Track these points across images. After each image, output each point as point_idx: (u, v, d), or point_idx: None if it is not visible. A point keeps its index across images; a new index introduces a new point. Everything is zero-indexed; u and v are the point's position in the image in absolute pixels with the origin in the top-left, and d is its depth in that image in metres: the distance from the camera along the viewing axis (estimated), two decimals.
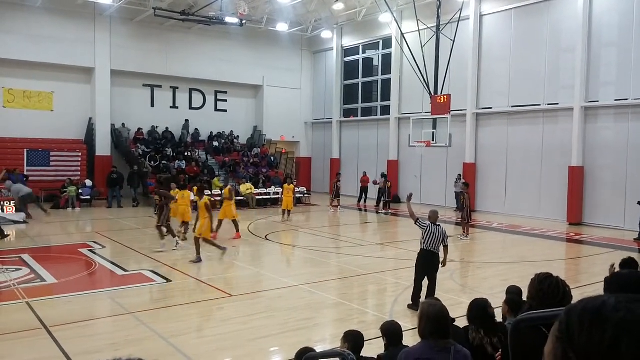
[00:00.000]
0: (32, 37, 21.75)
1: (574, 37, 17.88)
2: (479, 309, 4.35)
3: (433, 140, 19.22)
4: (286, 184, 18.96)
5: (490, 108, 20.95)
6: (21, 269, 10.34)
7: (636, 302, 0.72)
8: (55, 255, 12.18)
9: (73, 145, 23.04)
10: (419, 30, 20.10)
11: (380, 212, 21.18)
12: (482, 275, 10.90)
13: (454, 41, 19.07)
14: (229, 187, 15.23)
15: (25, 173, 20.55)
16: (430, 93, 19.57)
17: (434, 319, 3.33)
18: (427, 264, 8.18)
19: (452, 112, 18.71)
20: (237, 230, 14.49)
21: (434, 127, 19.38)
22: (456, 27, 19.34)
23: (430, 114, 19.42)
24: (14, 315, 7.62)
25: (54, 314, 7.64)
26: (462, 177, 21.13)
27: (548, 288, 2.79)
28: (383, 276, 10.62)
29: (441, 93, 19.26)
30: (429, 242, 8.15)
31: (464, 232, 15.01)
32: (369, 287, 10.05)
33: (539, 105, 19.23)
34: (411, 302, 8.11)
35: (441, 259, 8.32)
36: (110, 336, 7.01)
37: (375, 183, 22.53)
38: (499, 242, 15.16)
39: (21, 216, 16.82)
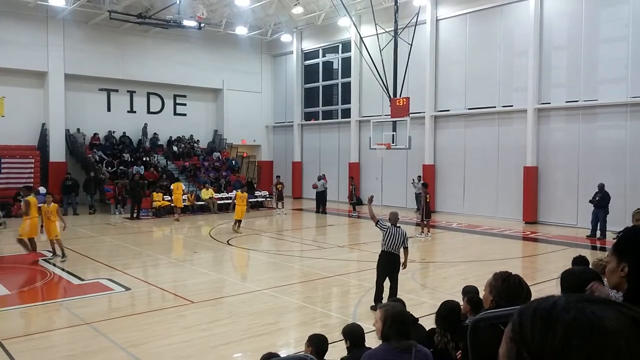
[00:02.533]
0: None
1: (526, 41, 18.51)
2: (450, 311, 4.41)
3: (393, 142, 19.49)
4: (239, 192, 17.39)
5: (448, 110, 21.42)
6: None
7: (586, 301, 0.75)
8: (8, 266, 11.70)
9: (25, 151, 22.19)
10: (377, 34, 20.37)
11: (351, 214, 21.36)
12: (442, 275, 11.12)
13: (411, 45, 19.42)
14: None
15: None
16: (389, 96, 19.85)
17: (394, 321, 3.39)
18: (388, 266, 8.26)
19: (411, 115, 19.02)
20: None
21: (394, 130, 19.66)
22: (413, 31, 19.70)
23: (389, 116, 19.68)
24: None
25: (6, 326, 7.35)
26: (421, 179, 21.51)
27: (513, 286, 2.89)
28: (346, 278, 10.69)
29: (400, 96, 19.56)
30: (389, 244, 8.21)
31: (423, 231, 15.50)
32: (333, 289, 10.09)
33: (494, 107, 19.80)
34: (374, 304, 8.14)
35: (402, 260, 8.38)
36: (67, 347, 6.79)
37: (314, 187, 22.70)
38: (458, 242, 15.50)
39: None
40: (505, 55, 19.47)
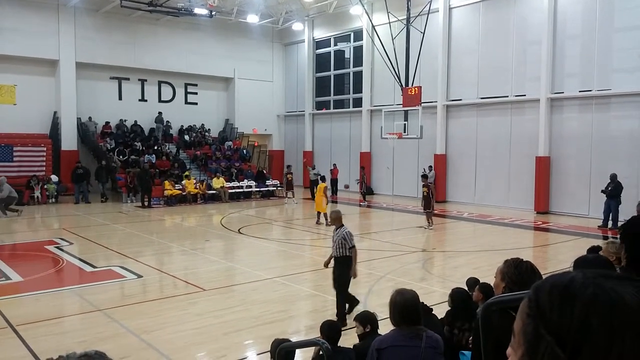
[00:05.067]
0: None
1: (539, 30, 18.24)
2: (459, 298, 4.38)
3: (404, 132, 19.40)
4: (322, 183, 16.38)
5: (460, 100, 21.23)
6: None
7: (603, 277, 0.73)
8: (21, 253, 11.85)
9: (37, 139, 22.38)
10: (389, 23, 20.20)
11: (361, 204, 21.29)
12: (453, 264, 11.08)
13: (423, 33, 19.23)
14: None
15: None
16: (401, 85, 19.72)
17: (403, 307, 3.38)
18: (334, 272, 7.31)
19: (422, 104, 18.90)
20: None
21: (406, 119, 19.55)
22: (426, 19, 19.50)
23: (401, 106, 19.57)
24: None
25: (20, 313, 7.45)
26: (432, 168, 21.42)
27: (525, 272, 2.85)
28: (357, 267, 10.66)
29: (412, 85, 19.42)
30: (333, 249, 7.32)
31: (429, 222, 15.13)
32: None
33: (507, 96, 19.58)
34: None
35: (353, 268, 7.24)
36: (81, 334, 6.86)
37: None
38: (469, 232, 15.42)
39: None
40: (518, 44, 19.21)
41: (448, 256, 11.84)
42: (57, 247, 12.18)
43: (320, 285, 9.33)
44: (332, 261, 7.35)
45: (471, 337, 3.78)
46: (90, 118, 23.75)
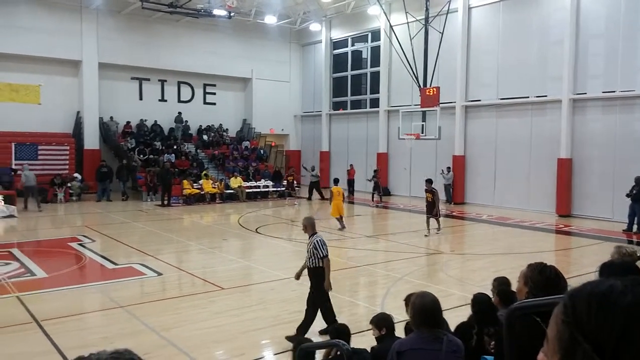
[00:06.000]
0: (18, 29, 21.44)
1: (562, 29, 17.99)
2: (482, 303, 4.34)
3: (422, 132, 19.31)
4: (336, 187, 15.93)
5: (479, 100, 21.06)
6: (11, 263, 10.27)
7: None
8: (45, 249, 12.10)
9: (61, 138, 22.80)
10: (407, 23, 20.12)
11: (377, 205, 21.23)
12: (472, 267, 11.00)
13: (442, 33, 19.12)
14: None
15: (13, 167, 20.39)
16: (419, 85, 19.64)
17: (422, 310, 3.38)
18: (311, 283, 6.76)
19: (441, 105, 18.79)
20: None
21: (423, 120, 19.46)
22: (445, 19, 19.37)
23: (419, 106, 19.49)
24: (4, 310, 7.57)
25: (44, 308, 7.61)
26: (450, 169, 21.30)
27: (549, 277, 2.83)
28: (373, 268, 10.69)
29: (430, 85, 19.32)
30: (306, 259, 6.78)
31: (437, 226, 14.40)
32: (360, 279, 10.10)
33: (527, 97, 19.36)
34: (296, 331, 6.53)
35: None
36: (103, 330, 6.99)
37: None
38: (488, 234, 15.29)
39: (11, 210, 16.64)
40: (539, 44, 18.98)
41: (466, 259, 11.76)
42: (80, 244, 12.41)
43: (336, 286, 9.33)
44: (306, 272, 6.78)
45: (493, 342, 3.76)
46: (111, 118, 24.11)
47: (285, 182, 23.64)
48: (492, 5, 20.46)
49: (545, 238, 14.68)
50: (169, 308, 7.85)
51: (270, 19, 25.48)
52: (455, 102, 21.26)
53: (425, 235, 13.90)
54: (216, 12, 22.12)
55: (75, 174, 21.57)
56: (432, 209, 14.14)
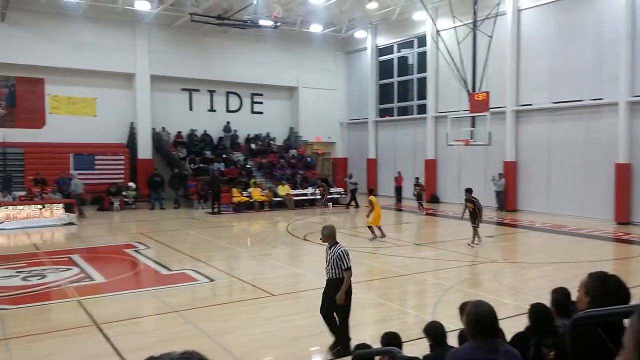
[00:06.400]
0: (75, 45, 22.55)
1: (617, 29, 17.27)
2: (540, 313, 4.21)
3: (471, 138, 18.93)
4: (373, 196, 15.27)
5: (531, 105, 20.46)
6: (71, 269, 10.75)
7: None
8: (103, 256, 12.60)
9: (116, 149, 23.76)
10: (455, 27, 19.84)
11: (426, 213, 20.76)
12: (526, 276, 10.66)
13: (491, 37, 18.73)
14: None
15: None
16: (468, 91, 19.30)
17: (477, 319, 3.31)
18: (327, 295, 6.52)
19: (491, 110, 18.38)
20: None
21: (473, 125, 19.07)
22: (493, 22, 18.98)
23: (468, 112, 19.13)
24: (67, 313, 7.94)
25: (104, 312, 7.91)
26: (502, 176, 20.79)
27: (612, 286, 2.72)
28: (423, 276, 10.54)
29: (479, 90, 18.94)
30: (326, 269, 6.49)
31: (477, 237, 13.56)
32: (409, 287, 9.98)
33: (582, 100, 18.66)
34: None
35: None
36: (158, 333, 7.20)
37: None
38: (542, 242, 14.77)
39: (71, 217, 17.44)
40: (593, 45, 18.27)
41: (520, 268, 11.41)
42: (135, 251, 12.86)
43: (385, 294, 9.29)
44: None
45: (553, 353, 3.64)
46: (163, 128, 24.93)
47: (317, 191, 23.50)
48: (543, 7, 19.90)
49: (603, 246, 14.05)
50: (221, 313, 8.01)
51: (315, 28, 25.73)
52: (505, 107, 20.74)
53: (469, 245, 13.33)
54: (262, 22, 22.52)
55: (130, 183, 22.41)
56: (475, 219, 13.49)
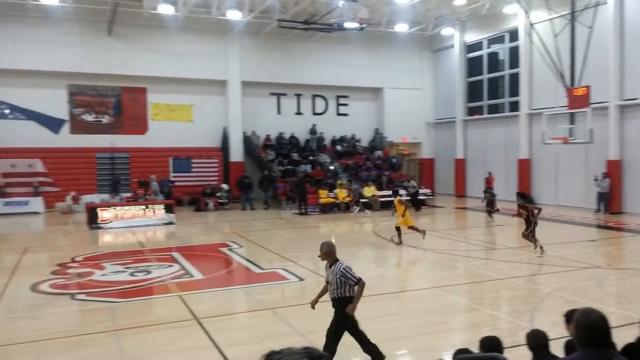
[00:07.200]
0: (173, 55, 24.04)
1: None
2: None
3: (570, 136, 17.81)
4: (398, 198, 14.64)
5: (636, 99, 18.87)
6: (172, 265, 11.47)
7: None
8: (200, 254, 13.30)
9: (210, 152, 25.03)
10: (550, 19, 18.80)
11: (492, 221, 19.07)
12: (633, 283, 9.85)
13: (591, 28, 17.52)
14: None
15: (171, 179, 22.87)
16: (565, 86, 18.19)
17: (587, 328, 3.13)
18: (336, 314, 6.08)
19: (591, 105, 17.20)
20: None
21: (571, 122, 17.95)
22: (593, 12, 17.74)
23: (566, 108, 18.03)
24: (170, 308, 8.48)
25: (202, 307, 8.36)
26: (606, 175, 19.38)
27: None
28: (518, 281, 10.07)
29: (578, 85, 17.80)
30: (330, 289, 6.02)
31: (535, 245, 12.19)
32: (503, 292, 9.59)
33: None
34: None
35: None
36: (253, 329, 7.48)
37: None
38: None
39: (170, 217, 18.59)
40: None
41: (628, 274, 10.57)
42: (229, 249, 13.46)
43: (479, 298, 9.00)
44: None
45: None
46: (253, 132, 25.88)
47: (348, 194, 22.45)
48: None
49: None
50: (311, 312, 8.12)
51: (401, 27, 25.46)
52: (608, 102, 19.30)
53: (538, 255, 12.03)
54: (348, 25, 22.66)
55: (223, 185, 23.49)
56: (529, 227, 12.16)
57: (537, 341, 4.14)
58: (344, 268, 5.79)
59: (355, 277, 5.81)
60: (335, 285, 5.86)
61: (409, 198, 21.69)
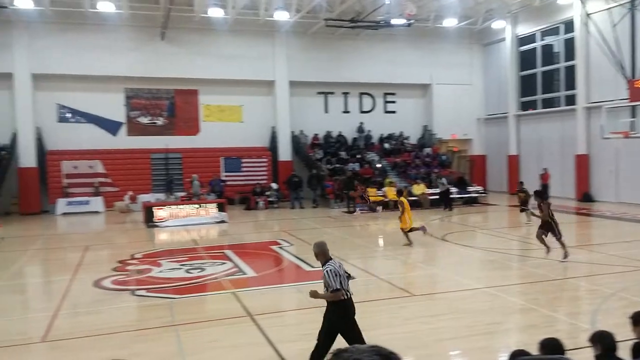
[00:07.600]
0: (222, 57, 24.57)
1: None
2: None
3: (632, 130, 16.98)
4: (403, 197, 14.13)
5: None
6: (226, 263, 11.75)
7: None
8: (252, 251, 13.56)
9: (259, 152, 25.43)
10: (609, 9, 17.97)
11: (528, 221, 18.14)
12: None
13: None
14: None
15: (223, 178, 23.41)
16: (626, 77, 17.35)
17: None
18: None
19: None
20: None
21: (633, 116, 17.12)
22: None
23: (627, 100, 17.20)
24: (224, 304, 8.69)
25: (255, 304, 8.53)
26: None
27: None
28: (576, 282, 9.73)
29: None
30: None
31: (565, 253, 11.08)
32: (561, 293, 9.27)
33: None
34: None
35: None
36: (303, 327, 7.53)
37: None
38: None
39: (222, 216, 19.01)
40: None
41: None
42: (280, 247, 13.65)
43: (535, 299, 8.73)
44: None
45: None
46: (301, 131, 26.08)
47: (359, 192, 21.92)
48: None
49: None
50: (360, 311, 8.09)
51: (450, 22, 25.00)
52: None
53: (561, 261, 11.06)
54: (395, 21, 22.43)
55: (272, 184, 23.82)
56: (551, 228, 11.24)
57: (606, 342, 3.97)
58: (326, 272, 5.60)
59: (333, 284, 5.56)
60: (324, 287, 5.72)
61: (437, 196, 21.70)
